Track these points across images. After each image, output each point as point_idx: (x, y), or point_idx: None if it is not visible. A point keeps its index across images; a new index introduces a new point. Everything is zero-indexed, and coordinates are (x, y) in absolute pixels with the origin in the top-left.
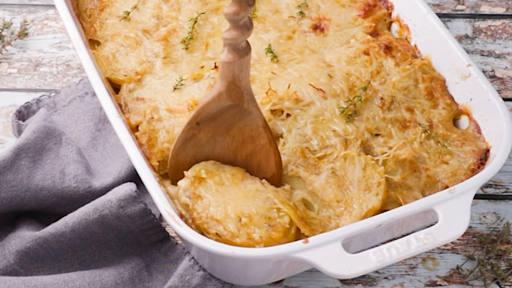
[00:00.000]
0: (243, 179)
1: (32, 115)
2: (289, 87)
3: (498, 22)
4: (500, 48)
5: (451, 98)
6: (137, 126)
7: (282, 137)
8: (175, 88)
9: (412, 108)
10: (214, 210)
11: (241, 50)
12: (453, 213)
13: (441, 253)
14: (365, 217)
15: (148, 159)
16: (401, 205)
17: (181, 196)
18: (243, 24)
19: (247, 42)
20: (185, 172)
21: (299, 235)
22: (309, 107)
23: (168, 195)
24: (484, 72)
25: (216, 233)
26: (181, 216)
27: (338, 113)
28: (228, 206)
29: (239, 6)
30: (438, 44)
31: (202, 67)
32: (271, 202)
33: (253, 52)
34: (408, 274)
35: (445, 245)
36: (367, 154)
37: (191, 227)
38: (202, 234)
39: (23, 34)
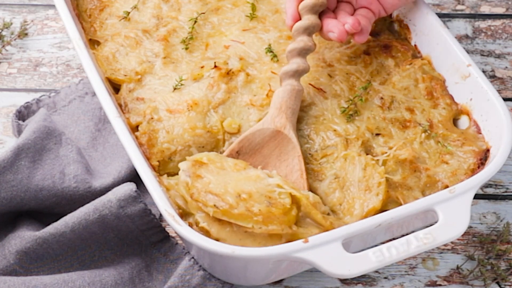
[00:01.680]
0: (245, 168)
1: (32, 115)
2: None
3: (498, 22)
4: (500, 48)
5: (451, 98)
6: (137, 126)
7: None
8: (175, 88)
9: (412, 108)
10: (214, 187)
11: (298, 81)
12: (453, 213)
13: (441, 253)
14: (365, 217)
15: (148, 159)
16: (401, 205)
17: (180, 175)
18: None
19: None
20: (187, 157)
21: (299, 222)
22: (309, 108)
23: (164, 187)
24: (484, 72)
25: (214, 205)
26: (181, 215)
27: (339, 112)
28: (228, 185)
29: None
30: (438, 44)
31: (202, 67)
32: (273, 186)
33: (253, 52)
34: (408, 274)
35: (445, 245)
36: (367, 154)
37: (188, 206)
38: (200, 209)
39: (23, 34)
